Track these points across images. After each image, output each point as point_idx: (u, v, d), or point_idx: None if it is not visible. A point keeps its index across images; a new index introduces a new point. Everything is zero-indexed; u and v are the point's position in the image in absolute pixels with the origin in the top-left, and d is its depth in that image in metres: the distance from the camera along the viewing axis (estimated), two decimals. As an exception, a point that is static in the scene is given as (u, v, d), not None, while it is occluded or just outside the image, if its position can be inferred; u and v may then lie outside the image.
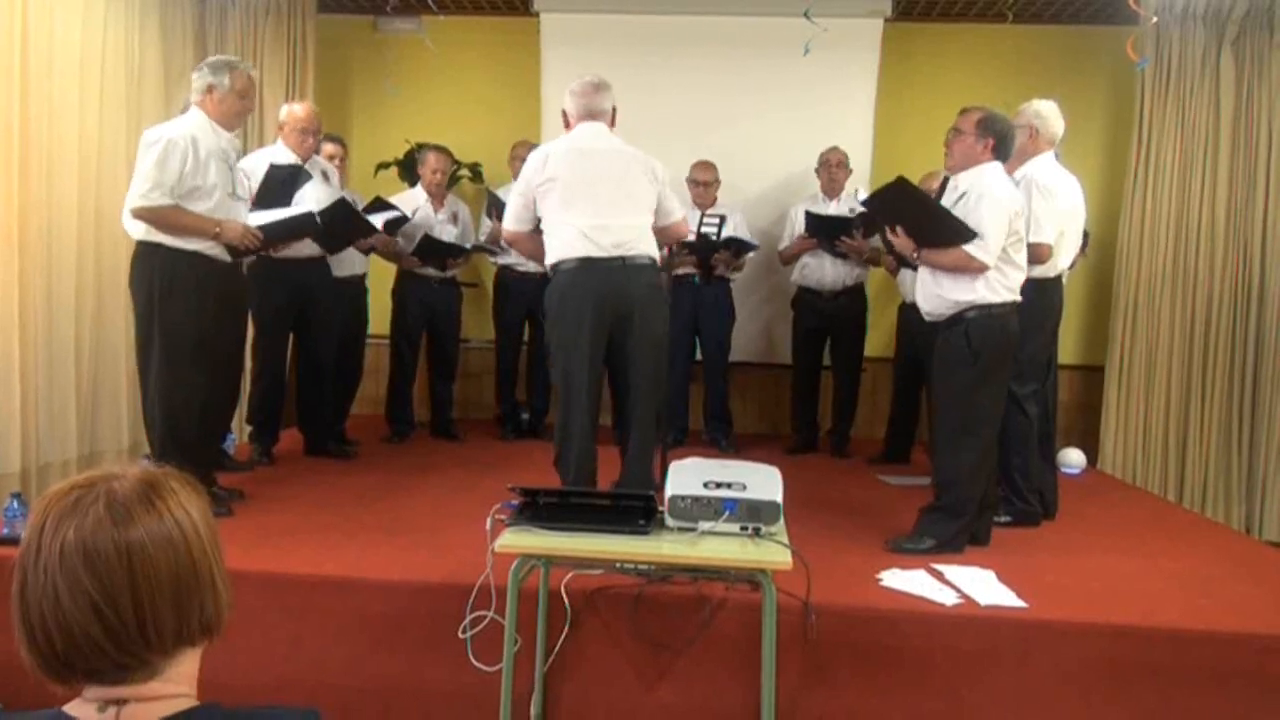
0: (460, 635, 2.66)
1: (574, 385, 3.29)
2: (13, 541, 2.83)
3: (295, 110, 4.33)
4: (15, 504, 2.98)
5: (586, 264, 3.26)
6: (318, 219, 3.97)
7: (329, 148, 4.82)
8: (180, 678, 1.06)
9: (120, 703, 1.02)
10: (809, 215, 4.96)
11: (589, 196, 3.28)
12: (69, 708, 1.03)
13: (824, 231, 4.90)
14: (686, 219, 3.75)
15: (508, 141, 5.37)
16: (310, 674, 2.69)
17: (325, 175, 4.41)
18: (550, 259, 3.37)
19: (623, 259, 3.27)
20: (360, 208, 4.56)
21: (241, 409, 4.73)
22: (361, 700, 2.67)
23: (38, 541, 0.99)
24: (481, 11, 5.92)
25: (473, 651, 2.64)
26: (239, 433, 4.82)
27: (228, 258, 3.48)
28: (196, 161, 3.33)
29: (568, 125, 3.47)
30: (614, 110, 3.47)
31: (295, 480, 4.13)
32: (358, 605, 2.75)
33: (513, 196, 3.49)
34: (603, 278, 3.25)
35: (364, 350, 5.05)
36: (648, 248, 3.34)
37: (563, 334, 3.31)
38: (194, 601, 1.05)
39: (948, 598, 2.79)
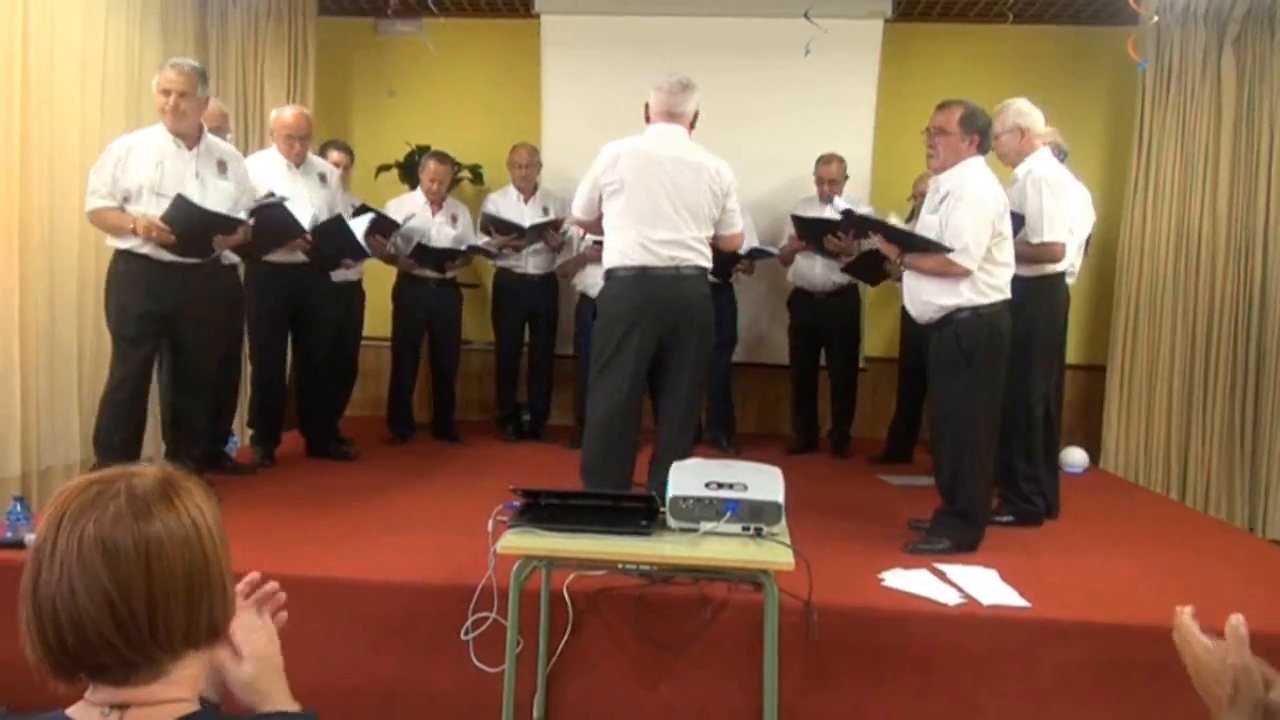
0: (462, 637, 2.66)
1: (616, 389, 3.32)
2: (15, 545, 2.83)
3: (283, 115, 4.32)
4: (18, 507, 2.97)
5: (641, 273, 3.32)
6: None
7: (335, 155, 4.83)
8: (184, 681, 1.06)
9: (123, 707, 1.02)
10: (796, 218, 4.98)
11: (652, 206, 3.31)
12: (72, 711, 1.03)
13: (813, 233, 4.92)
14: (744, 233, 3.76)
15: (508, 143, 5.36)
16: (312, 675, 2.64)
17: (322, 177, 4.40)
18: (607, 262, 3.43)
19: (676, 268, 3.32)
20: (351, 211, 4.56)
21: (243, 412, 4.74)
22: (363, 702, 2.67)
23: (54, 536, 1.00)
24: (482, 14, 5.92)
25: (475, 653, 2.64)
26: (241, 435, 4.82)
27: (166, 256, 3.48)
28: (126, 165, 3.45)
29: (648, 119, 3.47)
30: (696, 114, 3.46)
31: (296, 482, 4.13)
32: (360, 606, 2.75)
33: (581, 188, 3.50)
34: (657, 287, 3.31)
35: (359, 352, 5.05)
36: (702, 258, 3.40)
37: (611, 338, 3.35)
38: (204, 602, 1.06)
39: (950, 598, 2.78)
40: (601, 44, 5.62)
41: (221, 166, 3.67)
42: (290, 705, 1.27)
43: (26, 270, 3.98)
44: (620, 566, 2.46)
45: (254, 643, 1.28)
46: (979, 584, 2.90)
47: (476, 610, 2.66)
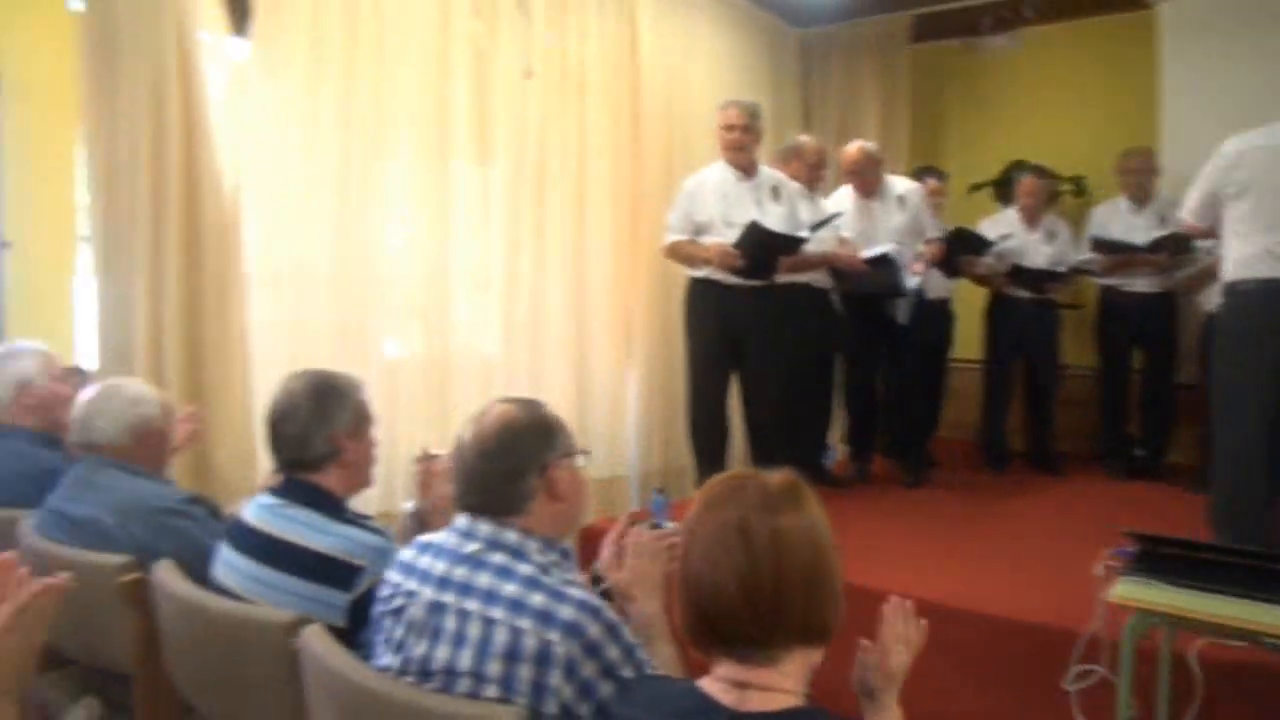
0: (1066, 687, 2.46)
1: (1244, 423, 2.90)
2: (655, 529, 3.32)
3: (848, 151, 4.42)
4: (659, 498, 3.48)
5: (1267, 287, 2.88)
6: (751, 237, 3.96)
7: (932, 183, 4.86)
8: (793, 675, 1.16)
9: (743, 686, 1.14)
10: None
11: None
12: (702, 683, 1.18)
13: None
14: None
15: (1114, 151, 4.88)
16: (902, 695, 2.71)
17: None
18: (1226, 275, 3.04)
19: None
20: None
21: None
22: (953, 733, 2.62)
23: (702, 518, 1.20)
24: (1083, 14, 5.48)
25: (1080, 707, 2.42)
26: (839, 450, 5.07)
27: (733, 279, 3.76)
28: (699, 200, 3.82)
29: None
30: None
31: (889, 500, 4.21)
32: (954, 635, 2.70)
33: (1196, 188, 3.17)
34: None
35: (947, 372, 4.99)
36: None
37: (1236, 362, 2.95)
38: (819, 599, 1.17)
39: None
40: (1235, 27, 4.82)
41: (775, 192, 3.96)
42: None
43: (640, 298, 4.64)
44: (1267, 642, 2.06)
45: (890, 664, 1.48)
46: None
47: (1082, 661, 2.44)
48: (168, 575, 1.78)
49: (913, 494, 4.36)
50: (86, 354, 3.36)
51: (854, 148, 4.43)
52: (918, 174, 4.95)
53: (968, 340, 5.10)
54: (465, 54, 3.88)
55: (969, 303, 5.09)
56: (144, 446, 2.19)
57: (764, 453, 3.96)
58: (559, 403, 4.19)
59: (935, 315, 4.81)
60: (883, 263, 4.18)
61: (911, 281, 4.29)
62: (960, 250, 4.59)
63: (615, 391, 4.55)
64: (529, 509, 1.49)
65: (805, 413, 4.42)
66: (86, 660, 2.04)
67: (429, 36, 3.76)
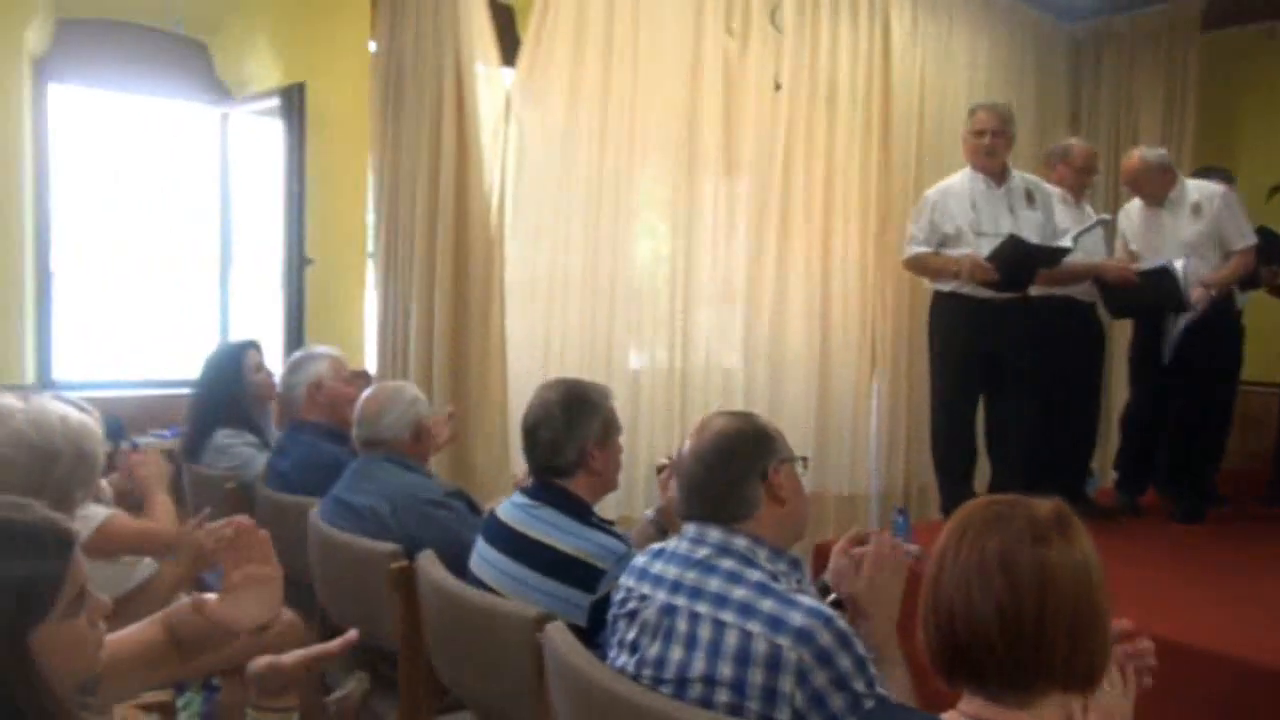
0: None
1: None
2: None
3: (1125, 161, 4.01)
4: (900, 519, 3.35)
5: None
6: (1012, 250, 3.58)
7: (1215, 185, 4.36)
8: None
9: None
10: None
11: None
12: (946, 717, 1.11)
13: None
14: None
15: None
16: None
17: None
18: None
19: None
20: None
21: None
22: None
23: (957, 545, 1.12)
24: None
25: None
26: (1104, 476, 4.67)
27: (984, 293, 3.53)
28: (943, 211, 3.60)
29: None
30: None
31: (1161, 534, 3.82)
32: (1220, 688, 2.41)
33: None
34: None
35: (1235, 396, 4.45)
36: None
37: None
38: (1085, 641, 1.07)
39: None
40: None
41: (1029, 197, 3.67)
42: None
43: (887, 311, 4.49)
44: None
45: (1100, 701, 1.23)
46: None
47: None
48: (430, 565, 1.94)
49: (1188, 530, 3.92)
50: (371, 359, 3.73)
51: (1133, 157, 4.06)
52: (1200, 176, 4.45)
53: (1259, 360, 4.52)
54: (716, 70, 3.96)
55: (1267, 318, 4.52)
56: (418, 443, 2.41)
57: (1013, 477, 3.72)
58: (798, 417, 4.21)
59: (1224, 332, 4.30)
60: (1160, 276, 3.79)
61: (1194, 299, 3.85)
62: (1264, 259, 4.09)
63: (857, 407, 4.45)
64: (754, 515, 1.51)
65: (1067, 436, 4.10)
66: (361, 637, 2.25)
67: (682, 55, 3.86)
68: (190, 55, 3.87)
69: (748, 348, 4.14)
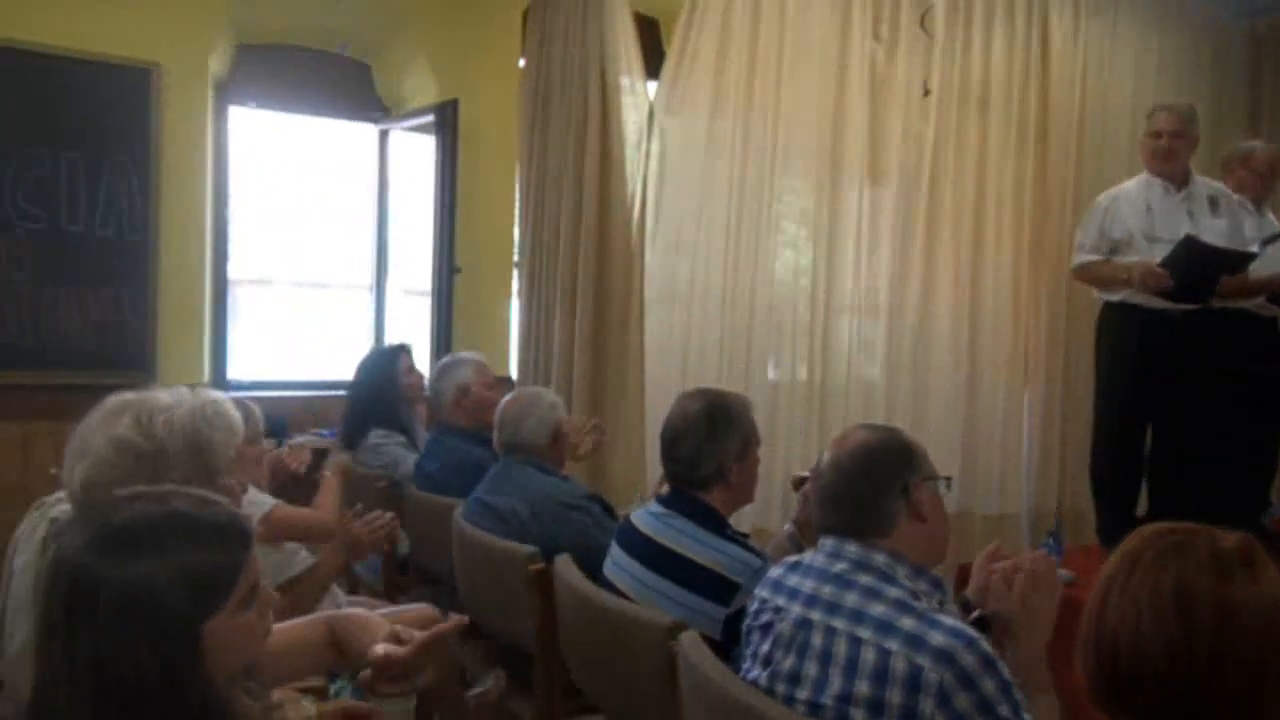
0: None
1: None
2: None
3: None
4: (1053, 543, 3.19)
5: None
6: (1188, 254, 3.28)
7: None
8: None
9: None
10: None
11: None
12: None
13: None
14: None
15: None
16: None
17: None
18: None
19: None
20: None
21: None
22: None
23: (1128, 572, 1.04)
24: None
25: None
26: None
27: (1158, 303, 3.27)
28: (1114, 216, 3.40)
29: None
30: None
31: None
32: None
33: None
34: None
35: None
36: None
37: None
38: (1265, 692, 0.98)
39: None
40: None
41: (1213, 204, 3.39)
42: None
43: (1041, 323, 4.28)
44: None
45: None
46: None
47: None
48: (566, 568, 1.97)
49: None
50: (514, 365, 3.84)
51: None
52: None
53: None
54: (862, 76, 3.88)
55: None
56: (556, 448, 2.47)
57: (1179, 503, 3.45)
58: (943, 433, 4.06)
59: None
60: None
61: None
62: None
63: (1008, 424, 4.25)
64: (893, 530, 1.47)
65: (1244, 461, 3.79)
66: (499, 635, 2.31)
67: (827, 62, 3.81)
68: (354, 76, 4.10)
69: (890, 360, 4.02)
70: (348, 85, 4.08)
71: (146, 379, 3.22)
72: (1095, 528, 3.65)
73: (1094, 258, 3.51)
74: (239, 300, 3.96)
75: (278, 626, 1.26)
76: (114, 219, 3.39)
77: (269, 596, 1.15)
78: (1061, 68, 4.30)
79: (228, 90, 3.80)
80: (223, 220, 3.83)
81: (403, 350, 3.32)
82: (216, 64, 3.69)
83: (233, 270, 3.91)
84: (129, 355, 3.42)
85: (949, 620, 1.34)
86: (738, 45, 3.65)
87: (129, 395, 1.44)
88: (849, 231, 3.94)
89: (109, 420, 1.38)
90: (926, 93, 4.02)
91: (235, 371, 3.90)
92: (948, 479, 1.58)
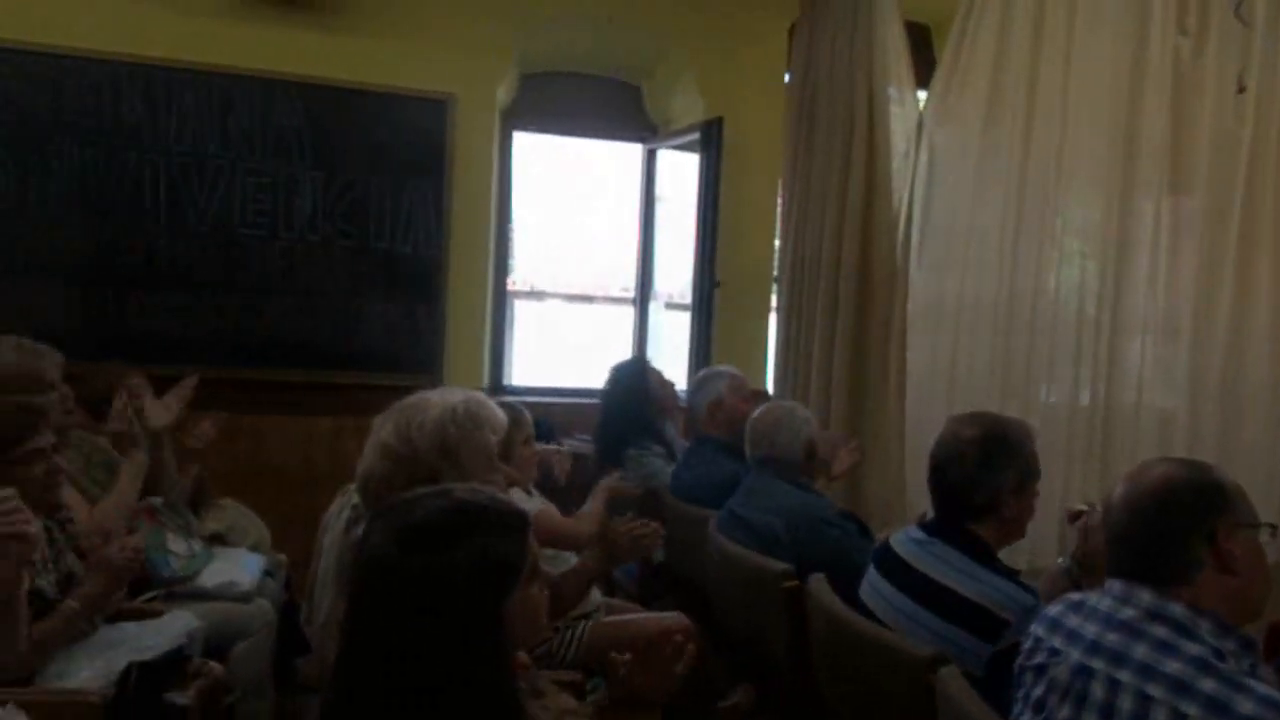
0: None
1: None
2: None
3: None
4: None
5: None
6: None
7: None
8: None
9: None
10: None
11: None
12: None
13: None
14: None
15: None
16: None
17: None
18: None
19: None
20: None
21: None
22: None
23: None
24: None
25: None
26: None
27: None
28: None
29: None
30: None
31: None
32: None
33: None
34: None
35: None
36: None
37: None
38: None
39: None
40: None
41: None
42: None
43: None
44: None
45: None
46: None
47: None
48: (820, 589, 1.92)
49: None
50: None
51: None
52: None
53: None
54: (1163, 74, 3.52)
55: None
56: (809, 463, 2.43)
57: None
58: (1261, 472, 3.58)
59: None
60: None
61: None
62: None
63: (1342, 464, 3.68)
64: (1194, 580, 1.29)
65: None
66: (749, 649, 2.30)
67: (1121, 60, 3.49)
68: (625, 98, 4.29)
69: (1194, 387, 3.60)
70: (619, 107, 4.27)
71: (435, 381, 3.54)
72: None
73: None
74: (516, 311, 4.26)
75: None
76: (412, 236, 3.75)
77: (545, 574, 1.26)
78: None
79: (511, 116, 4.10)
80: (504, 237, 4.13)
81: (646, 362, 3.42)
82: (503, 93, 3.99)
83: (511, 283, 4.21)
84: (420, 359, 3.76)
85: (1261, 688, 1.17)
86: (1018, 45, 3.43)
87: (409, 399, 1.64)
88: (1143, 244, 3.57)
89: (381, 425, 1.60)
90: (1242, 89, 3.58)
91: (513, 377, 4.19)
92: (1272, 526, 1.37)
